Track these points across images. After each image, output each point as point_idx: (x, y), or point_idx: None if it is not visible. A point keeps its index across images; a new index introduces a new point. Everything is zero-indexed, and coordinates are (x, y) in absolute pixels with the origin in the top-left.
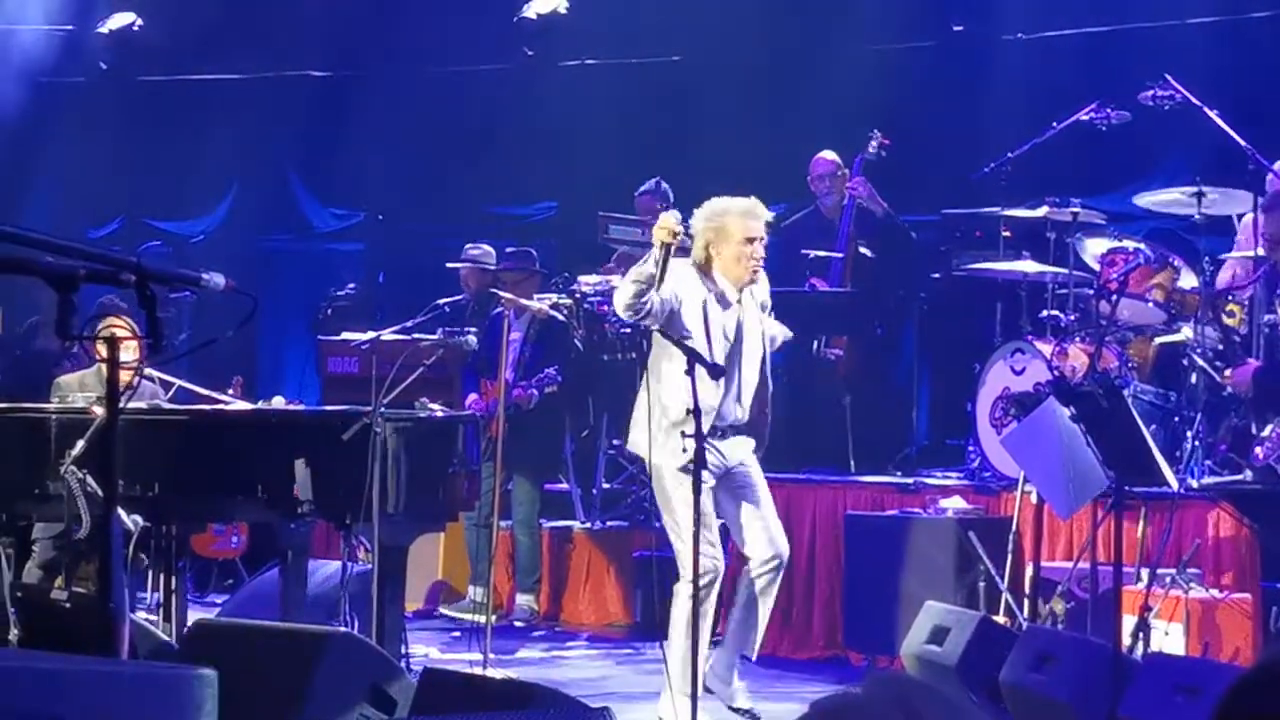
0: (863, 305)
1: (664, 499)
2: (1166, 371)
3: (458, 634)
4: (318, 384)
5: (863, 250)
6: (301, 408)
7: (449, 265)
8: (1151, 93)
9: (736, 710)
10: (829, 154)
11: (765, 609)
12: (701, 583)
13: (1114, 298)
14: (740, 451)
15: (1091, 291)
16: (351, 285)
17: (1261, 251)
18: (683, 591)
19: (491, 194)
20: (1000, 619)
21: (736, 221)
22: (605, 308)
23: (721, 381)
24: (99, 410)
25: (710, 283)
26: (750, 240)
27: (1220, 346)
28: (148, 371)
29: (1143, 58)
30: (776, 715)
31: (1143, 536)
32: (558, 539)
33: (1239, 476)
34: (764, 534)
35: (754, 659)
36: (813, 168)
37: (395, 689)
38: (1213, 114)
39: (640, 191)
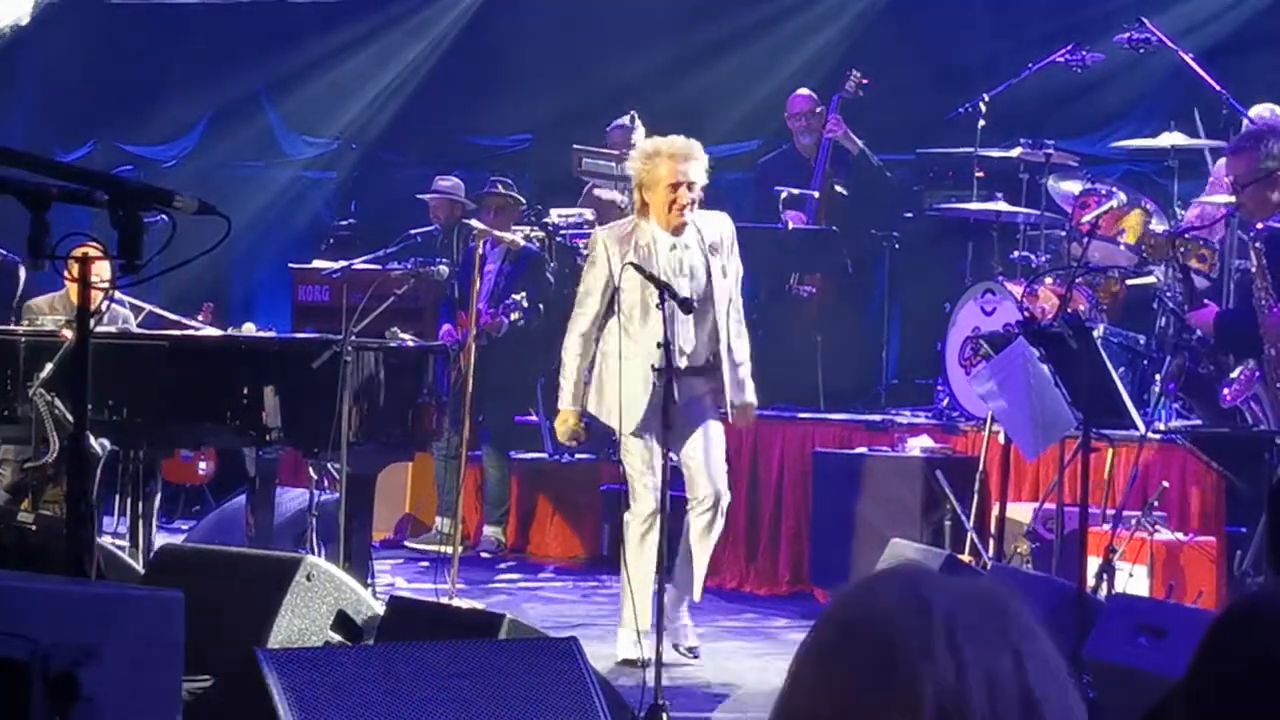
0: (835, 243)
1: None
2: (1136, 314)
3: (425, 564)
4: (288, 312)
5: (838, 189)
6: (272, 335)
7: (419, 197)
8: (1127, 35)
9: (681, 649)
10: (805, 91)
11: (702, 552)
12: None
13: (1085, 239)
14: (691, 391)
15: (1063, 233)
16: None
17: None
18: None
19: (466, 125)
20: (966, 558)
21: (666, 165)
22: (578, 240)
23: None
24: (68, 333)
25: (653, 227)
26: (677, 185)
27: (1173, 288)
28: (118, 295)
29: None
30: (741, 650)
31: (1109, 478)
32: (526, 472)
33: (1197, 422)
34: (703, 472)
35: (697, 600)
36: (789, 105)
37: (361, 617)
38: (1187, 57)
39: (613, 125)
